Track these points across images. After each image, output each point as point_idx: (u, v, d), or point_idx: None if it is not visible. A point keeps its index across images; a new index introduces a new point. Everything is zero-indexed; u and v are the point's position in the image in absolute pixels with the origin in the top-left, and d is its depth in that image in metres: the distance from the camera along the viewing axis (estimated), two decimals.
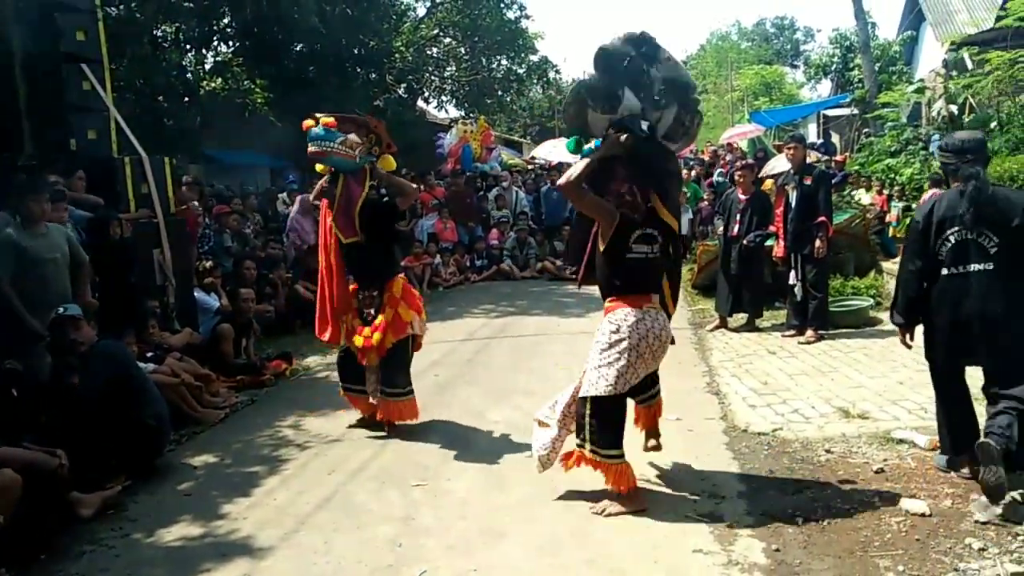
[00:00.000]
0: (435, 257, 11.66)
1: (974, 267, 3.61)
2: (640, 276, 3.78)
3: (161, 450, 4.67)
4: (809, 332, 6.88)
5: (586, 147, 3.82)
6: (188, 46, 14.11)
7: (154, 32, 12.80)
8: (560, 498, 3.92)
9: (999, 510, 3.31)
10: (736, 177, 7.82)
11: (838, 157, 16.40)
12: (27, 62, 7.04)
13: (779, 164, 7.80)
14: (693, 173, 14.94)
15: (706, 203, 12.94)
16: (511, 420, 5.20)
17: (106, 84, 7.49)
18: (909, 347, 4.00)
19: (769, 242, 7.38)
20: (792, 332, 7.09)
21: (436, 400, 5.73)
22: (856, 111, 19.02)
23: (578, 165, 3.76)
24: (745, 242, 7.36)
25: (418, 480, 4.24)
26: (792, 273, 7.01)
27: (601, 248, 3.75)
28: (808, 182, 6.87)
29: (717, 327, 7.61)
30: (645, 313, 3.73)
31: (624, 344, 3.67)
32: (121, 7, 11.43)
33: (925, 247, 3.72)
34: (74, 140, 7.27)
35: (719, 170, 15.09)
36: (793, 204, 6.94)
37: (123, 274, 6.06)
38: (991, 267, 3.58)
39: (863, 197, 12.74)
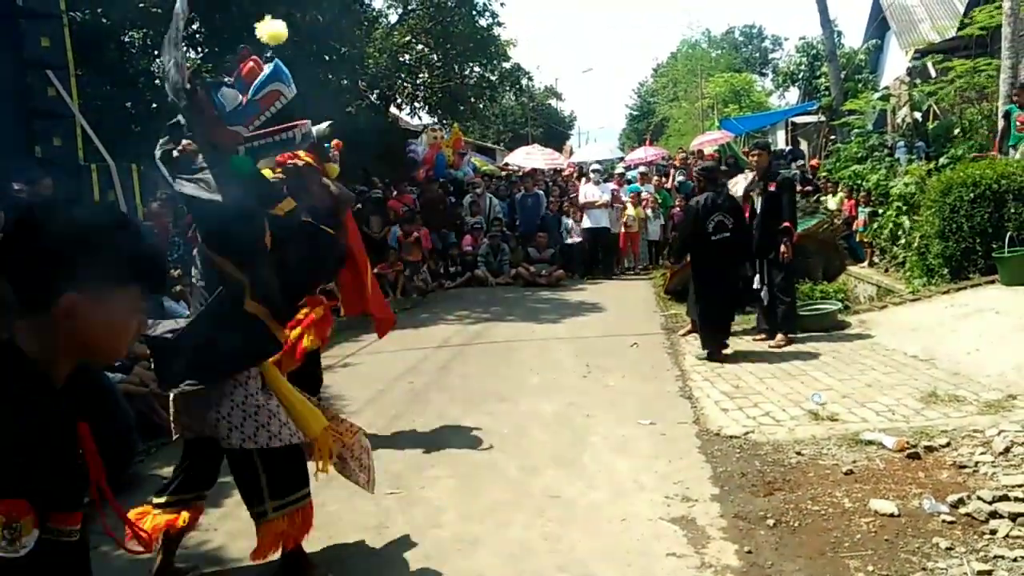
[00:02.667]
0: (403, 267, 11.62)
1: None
2: None
3: (130, 462, 4.58)
4: (779, 336, 6.96)
5: None
6: (156, 52, 13.93)
7: (121, 38, 12.63)
8: (533, 503, 3.92)
9: None
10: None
11: (813, 162, 16.65)
12: None
13: (738, 186, 7.87)
14: (664, 180, 15.07)
15: (677, 209, 13.06)
16: (485, 426, 5.20)
17: (72, 90, 7.39)
18: None
19: None
20: (762, 336, 7.17)
21: (410, 407, 5.71)
22: (823, 118, 19.33)
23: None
24: None
25: (391, 488, 4.21)
26: (757, 278, 7.08)
27: None
28: (772, 188, 6.96)
29: (689, 332, 7.67)
30: None
31: None
32: (87, 13, 11.26)
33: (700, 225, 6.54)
34: (39, 147, 7.16)
35: (679, 174, 15.22)
36: (758, 210, 7.03)
37: None
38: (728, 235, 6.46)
39: (831, 202, 12.96)
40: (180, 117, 3.02)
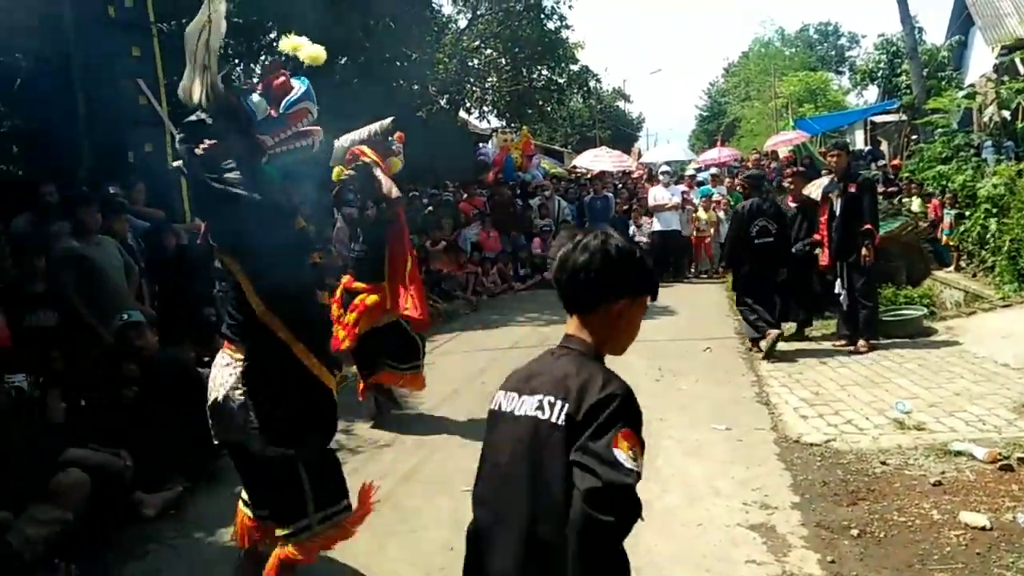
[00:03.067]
0: (478, 266, 11.73)
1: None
2: None
3: (219, 454, 4.78)
4: (861, 342, 6.76)
5: None
6: (236, 60, 14.45)
7: None
8: None
9: None
10: (786, 184, 7.74)
11: (894, 163, 16.07)
12: (86, 79, 7.33)
13: (815, 189, 7.70)
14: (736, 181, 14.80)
15: None
16: None
17: (161, 99, 7.74)
18: None
19: (817, 250, 7.28)
20: (843, 342, 6.98)
21: (483, 407, 5.75)
22: (904, 117, 18.63)
23: None
24: (793, 250, 7.28)
25: (467, 485, 4.26)
26: (838, 282, 6.91)
27: None
28: (852, 189, 6.78)
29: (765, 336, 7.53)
30: None
31: None
32: (174, 24, 11.78)
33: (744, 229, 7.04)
34: (131, 153, 7.53)
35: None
36: (837, 212, 6.85)
37: (180, 283, 6.24)
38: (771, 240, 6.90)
39: (914, 204, 12.47)
40: (202, 115, 2.95)
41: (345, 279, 5.62)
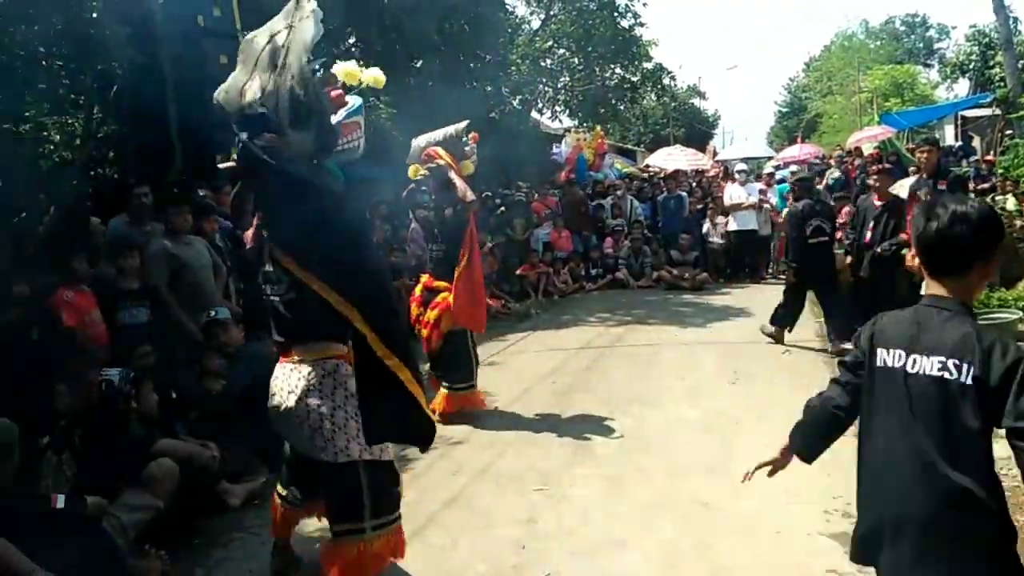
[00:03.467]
0: (549, 266, 11.74)
1: None
2: None
3: None
4: None
5: None
6: (317, 68, 14.86)
7: None
8: (680, 508, 3.87)
9: None
10: (871, 181, 7.48)
11: (987, 159, 15.30)
12: (177, 85, 7.68)
13: (903, 187, 7.41)
14: (819, 179, 14.35)
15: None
16: (629, 429, 5.18)
17: None
18: None
19: (905, 250, 6.99)
20: None
21: (554, 407, 5.77)
22: (998, 111, 17.67)
23: None
24: (879, 250, 7.01)
25: (538, 485, 4.29)
26: (924, 284, 6.60)
27: None
28: (942, 187, 6.47)
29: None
30: None
31: None
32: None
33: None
34: (220, 157, 7.84)
35: (834, 171, 14.46)
36: None
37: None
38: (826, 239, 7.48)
39: (1008, 203, 11.82)
40: (263, 109, 2.85)
41: (424, 278, 5.74)
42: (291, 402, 2.90)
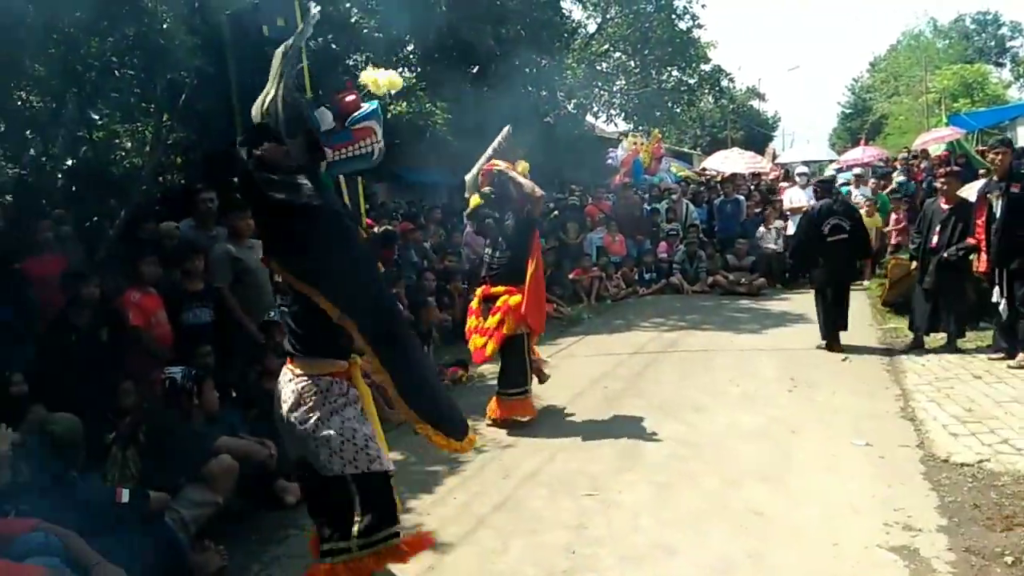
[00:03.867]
0: (603, 270, 11.67)
1: None
2: None
3: None
4: (1020, 355, 6.18)
5: None
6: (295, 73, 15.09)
7: (346, 62, 13.87)
8: (733, 517, 3.80)
9: None
10: (939, 184, 7.23)
11: None
12: (242, 93, 7.91)
13: (970, 191, 7.14)
14: (883, 182, 13.93)
15: (894, 217, 12.02)
16: (680, 435, 5.11)
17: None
18: None
19: (972, 255, 6.73)
20: (1000, 355, 6.41)
21: (605, 412, 5.74)
22: None
23: None
24: (946, 255, 6.77)
25: (588, 490, 4.27)
26: (996, 290, 6.36)
27: None
28: (1016, 190, 6.21)
29: (912, 347, 7.05)
30: None
31: None
32: (320, 40, 12.50)
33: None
34: None
35: (899, 174, 14.02)
36: (998, 214, 6.30)
37: None
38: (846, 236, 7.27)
39: None
40: (267, 118, 2.86)
41: (480, 289, 5.80)
42: (283, 411, 2.90)
